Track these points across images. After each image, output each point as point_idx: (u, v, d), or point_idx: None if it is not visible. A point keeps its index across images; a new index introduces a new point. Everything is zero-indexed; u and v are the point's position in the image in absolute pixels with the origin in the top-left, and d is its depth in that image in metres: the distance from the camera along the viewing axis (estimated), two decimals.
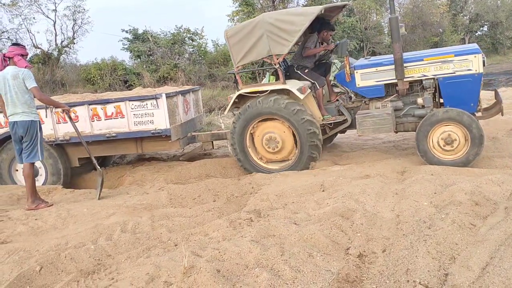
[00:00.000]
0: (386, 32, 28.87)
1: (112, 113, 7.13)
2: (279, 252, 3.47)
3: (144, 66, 24.23)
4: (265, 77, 7.61)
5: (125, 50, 25.16)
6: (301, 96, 6.11)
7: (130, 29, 25.16)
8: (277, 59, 6.24)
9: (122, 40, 25.14)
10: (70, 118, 6.18)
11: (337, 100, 6.81)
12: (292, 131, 6.27)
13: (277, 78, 6.40)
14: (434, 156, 5.65)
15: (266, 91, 6.31)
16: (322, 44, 6.96)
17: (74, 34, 24.92)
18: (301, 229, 3.83)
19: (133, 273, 3.47)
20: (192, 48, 26.40)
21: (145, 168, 7.77)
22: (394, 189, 4.69)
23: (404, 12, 32.64)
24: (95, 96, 8.52)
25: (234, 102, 6.60)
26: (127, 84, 22.67)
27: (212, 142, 7.86)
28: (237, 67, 6.52)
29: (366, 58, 6.96)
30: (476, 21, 36.44)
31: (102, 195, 6.14)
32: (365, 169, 5.73)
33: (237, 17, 26.86)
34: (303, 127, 6.14)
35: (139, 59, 25.02)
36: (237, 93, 6.50)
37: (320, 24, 6.84)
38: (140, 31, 25.38)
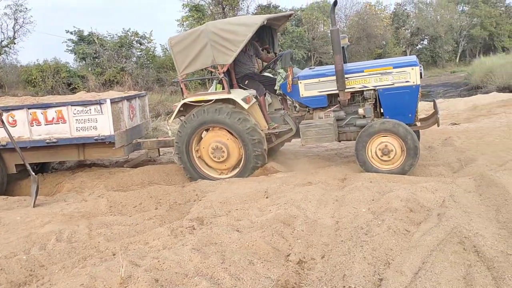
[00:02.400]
0: None
1: (53, 118, 6.85)
2: (220, 260, 3.45)
3: (90, 69, 23.54)
4: (212, 84, 7.59)
5: (70, 52, 24.40)
6: (246, 106, 6.14)
7: (74, 31, 24.39)
8: (222, 68, 6.23)
9: (66, 42, 24.34)
10: (2, 121, 5.88)
11: (282, 109, 6.89)
12: (238, 140, 6.28)
13: (224, 87, 6.40)
14: (372, 166, 5.81)
15: (211, 100, 6.28)
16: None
17: (14, 33, 23.87)
18: (243, 236, 3.83)
19: (67, 284, 3.33)
20: (140, 51, 25.97)
21: (85, 175, 7.50)
22: (334, 196, 4.79)
23: (350, 24, 33.77)
24: (35, 100, 8.14)
25: (180, 111, 6.52)
26: (71, 87, 21.90)
27: (158, 149, 7.72)
28: (182, 75, 6.46)
29: (310, 68, 7.09)
30: (417, 34, 38.27)
31: (38, 202, 5.87)
32: (308, 176, 5.82)
33: (187, 22, 26.73)
34: (248, 136, 6.16)
35: (84, 62, 24.28)
36: (182, 101, 6.43)
37: (264, 31, 6.91)
38: (85, 33, 24.64)
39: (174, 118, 6.74)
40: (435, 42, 37.68)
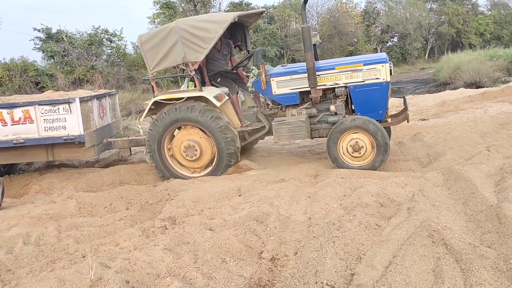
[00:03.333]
0: None
1: (20, 118, 6.66)
2: (192, 260, 3.42)
3: (58, 68, 22.97)
4: (184, 82, 7.51)
5: (37, 50, 23.73)
6: (218, 104, 6.10)
7: (42, 28, 23.76)
8: (193, 66, 6.17)
9: (33, 40, 23.68)
10: None
11: (255, 107, 6.87)
12: (211, 139, 6.24)
13: (195, 85, 6.34)
14: (344, 162, 5.87)
15: (182, 98, 6.22)
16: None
17: None
18: (216, 235, 3.81)
19: None
20: (111, 49, 25.51)
21: (53, 176, 7.31)
22: (307, 192, 4.82)
23: (322, 21, 34.03)
24: (1, 100, 7.90)
25: (151, 109, 6.43)
26: (39, 86, 21.33)
27: (130, 148, 7.59)
28: (152, 73, 6.37)
29: (282, 66, 7.09)
30: (387, 32, 38.88)
31: (4, 205, 5.70)
32: (280, 173, 5.84)
33: (158, 19, 26.41)
34: (221, 134, 6.13)
35: (52, 60, 23.69)
36: (153, 99, 6.34)
37: (237, 28, 6.86)
38: (54, 31, 24.04)
39: (145, 117, 6.66)
40: (404, 39, 38.35)
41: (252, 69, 6.89)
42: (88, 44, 23.91)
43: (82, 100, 6.68)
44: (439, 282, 2.87)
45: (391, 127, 6.69)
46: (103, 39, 25.01)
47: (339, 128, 5.82)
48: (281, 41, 29.76)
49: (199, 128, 6.24)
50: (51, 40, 23.73)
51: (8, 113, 6.64)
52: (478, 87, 17.82)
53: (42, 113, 6.62)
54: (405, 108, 6.42)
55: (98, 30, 24.71)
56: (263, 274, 3.23)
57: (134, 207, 5.12)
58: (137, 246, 3.86)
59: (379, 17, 39.87)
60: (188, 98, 6.22)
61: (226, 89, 6.55)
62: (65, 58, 23.57)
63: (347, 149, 5.84)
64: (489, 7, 44.15)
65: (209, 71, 6.80)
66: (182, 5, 27.26)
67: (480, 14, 41.76)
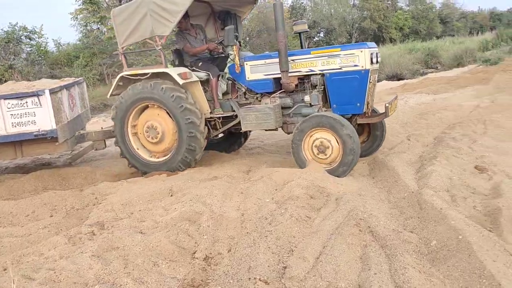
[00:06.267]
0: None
1: None
2: (122, 265, 3.31)
3: None
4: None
5: None
6: (180, 81, 5.80)
7: None
8: (160, 40, 5.91)
9: None
10: None
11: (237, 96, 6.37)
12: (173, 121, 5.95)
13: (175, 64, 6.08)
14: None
15: (147, 74, 5.97)
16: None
17: None
18: (147, 238, 3.71)
19: None
20: (30, 47, 24.02)
21: None
22: (239, 188, 4.83)
23: (251, 17, 34.19)
24: None
25: (119, 85, 6.17)
26: None
27: (105, 140, 7.07)
28: (122, 47, 6.14)
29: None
30: (313, 27, 39.84)
31: None
32: (213, 170, 5.80)
33: (81, 15, 25.23)
34: (182, 115, 5.79)
35: None
36: (119, 75, 6.09)
37: (230, 18, 6.73)
38: None
39: (112, 94, 6.39)
40: (330, 35, 39.53)
41: (231, 53, 6.37)
42: (5, 42, 22.35)
43: (52, 92, 6.13)
44: (366, 269, 2.99)
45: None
46: (22, 37, 23.48)
47: (301, 127, 5.33)
48: None
49: (163, 109, 5.95)
50: None
51: None
52: (399, 79, 18.80)
53: (9, 108, 6.01)
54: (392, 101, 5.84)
55: (16, 27, 23.16)
56: (197, 274, 3.19)
57: (59, 214, 4.85)
58: (63, 255, 3.66)
59: (306, 12, 40.80)
60: (154, 75, 5.96)
61: (203, 74, 6.24)
62: None
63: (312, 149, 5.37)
64: (407, 3, 46.61)
65: (191, 57, 6.51)
66: (106, 0, 26.23)
67: (399, 10, 43.99)
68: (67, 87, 6.88)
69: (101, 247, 3.63)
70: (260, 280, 2.94)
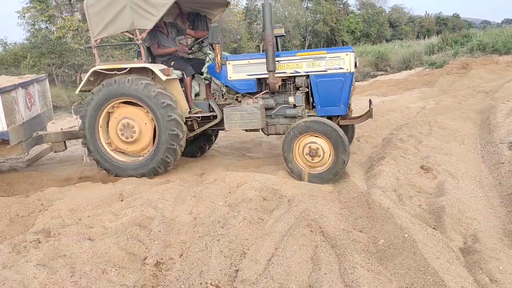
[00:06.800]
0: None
1: None
2: (69, 274, 3.21)
3: None
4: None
5: None
6: (163, 77, 5.56)
7: None
8: (140, 34, 5.69)
9: None
10: None
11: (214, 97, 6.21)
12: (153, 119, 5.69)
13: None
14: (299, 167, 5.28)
15: (125, 69, 5.70)
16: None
17: None
18: (96, 245, 3.60)
19: None
20: None
21: None
22: (192, 192, 4.78)
23: None
24: None
25: (90, 81, 5.83)
26: None
27: (65, 142, 6.68)
28: (96, 40, 5.82)
29: None
30: None
31: None
32: (166, 174, 5.71)
33: (29, 14, 24.24)
34: (163, 112, 5.52)
35: None
36: (92, 69, 5.76)
37: (200, 20, 6.58)
38: None
39: (81, 90, 6.00)
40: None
41: (209, 53, 6.16)
42: None
43: (3, 92, 5.72)
44: (317, 269, 3.03)
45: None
46: None
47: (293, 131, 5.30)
48: None
49: (143, 108, 5.69)
50: None
51: None
52: None
53: None
54: (370, 103, 6.04)
55: None
56: (147, 281, 3.14)
57: (2, 221, 4.61)
58: (6, 264, 3.50)
59: (261, 14, 41.06)
60: (131, 70, 5.71)
61: (179, 72, 6.01)
62: None
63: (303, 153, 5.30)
64: (358, 7, 47.95)
65: (162, 56, 6.26)
66: None
67: (351, 13, 45.12)
68: (24, 85, 6.49)
69: (47, 255, 3.50)
70: (212, 285, 2.92)
